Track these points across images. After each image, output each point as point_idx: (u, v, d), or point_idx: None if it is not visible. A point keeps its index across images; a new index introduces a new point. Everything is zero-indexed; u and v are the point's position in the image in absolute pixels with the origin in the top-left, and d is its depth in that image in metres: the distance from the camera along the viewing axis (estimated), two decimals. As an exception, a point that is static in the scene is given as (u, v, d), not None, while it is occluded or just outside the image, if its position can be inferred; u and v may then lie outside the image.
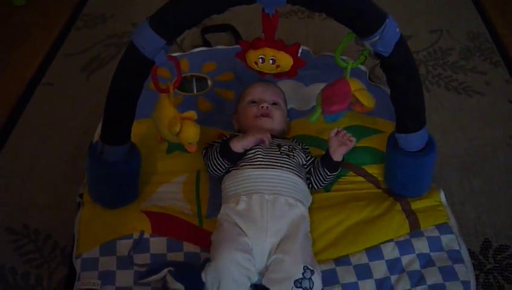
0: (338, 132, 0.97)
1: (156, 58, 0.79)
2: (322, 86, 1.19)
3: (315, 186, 1.00)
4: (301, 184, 0.94)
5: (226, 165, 0.96)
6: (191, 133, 0.88)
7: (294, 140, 1.05)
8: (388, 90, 1.13)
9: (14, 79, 1.37)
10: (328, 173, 0.98)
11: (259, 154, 0.95)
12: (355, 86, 0.91)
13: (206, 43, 1.44)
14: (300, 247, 0.83)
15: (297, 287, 0.79)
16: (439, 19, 1.62)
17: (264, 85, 1.10)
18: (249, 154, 0.95)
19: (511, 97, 1.33)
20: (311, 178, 0.99)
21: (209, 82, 1.27)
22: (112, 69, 1.37)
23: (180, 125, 0.87)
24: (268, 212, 0.87)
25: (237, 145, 0.94)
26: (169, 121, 0.88)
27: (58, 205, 1.06)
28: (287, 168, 0.94)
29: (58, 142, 1.20)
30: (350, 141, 0.96)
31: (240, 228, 0.86)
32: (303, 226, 0.88)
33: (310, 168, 1.00)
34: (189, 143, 0.91)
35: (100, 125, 1.10)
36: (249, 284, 0.82)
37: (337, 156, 0.96)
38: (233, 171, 0.95)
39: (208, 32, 1.49)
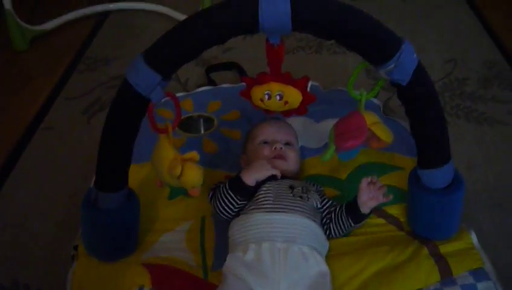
0: (372, 182, 0.86)
1: (152, 96, 0.72)
2: (334, 121, 1.12)
3: (334, 234, 0.90)
4: (316, 230, 0.85)
5: (238, 203, 0.88)
6: (193, 175, 0.81)
7: (307, 181, 0.97)
8: (404, 124, 1.06)
9: (13, 124, 1.33)
10: (352, 224, 0.89)
11: (270, 196, 0.87)
12: (371, 119, 0.83)
13: (211, 82, 1.40)
14: None
15: None
16: (452, 48, 1.57)
17: (276, 123, 1.03)
18: (259, 196, 0.87)
19: (537, 126, 1.25)
20: (331, 225, 0.90)
21: (215, 122, 1.21)
22: (112, 111, 1.34)
23: (181, 167, 0.79)
24: (281, 263, 0.78)
25: (249, 177, 0.86)
26: (169, 164, 0.81)
27: (52, 257, 0.99)
28: (301, 212, 0.85)
29: (55, 189, 1.14)
30: (383, 196, 0.86)
31: (247, 283, 0.76)
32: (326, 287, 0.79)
33: (331, 215, 0.90)
34: (192, 187, 0.83)
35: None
36: None
37: (365, 209, 0.87)
38: (242, 215, 0.87)
39: (213, 71, 1.45)
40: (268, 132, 1.00)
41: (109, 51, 1.62)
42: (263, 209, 0.85)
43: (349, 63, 1.50)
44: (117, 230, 0.85)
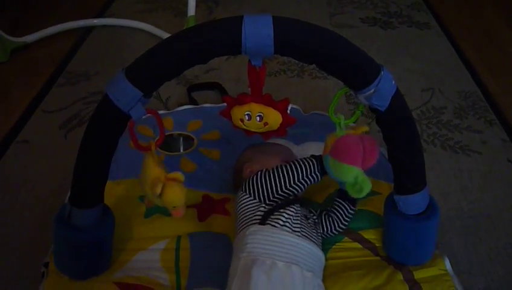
0: None
1: (132, 112, 0.71)
2: (313, 144, 1.12)
3: (334, 229, 0.93)
4: (324, 261, 0.87)
5: (301, 189, 0.87)
6: (174, 195, 0.79)
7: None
8: (382, 150, 1.07)
9: (-13, 137, 1.30)
10: (351, 207, 0.92)
11: (298, 219, 0.85)
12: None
13: (193, 102, 1.40)
14: None
15: None
16: (430, 78, 1.60)
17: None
18: (289, 214, 0.84)
19: (509, 156, 1.28)
20: (327, 223, 0.92)
21: (195, 141, 1.21)
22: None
23: (161, 186, 0.78)
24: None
25: None
26: (151, 182, 0.80)
27: (21, 275, 0.95)
28: (316, 243, 0.85)
29: (27, 205, 1.11)
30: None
31: None
32: None
33: (322, 215, 0.93)
34: (173, 207, 0.82)
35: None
36: None
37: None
38: (269, 226, 0.83)
39: (194, 91, 1.45)
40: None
41: (91, 66, 1.60)
42: (294, 232, 0.83)
43: (330, 88, 1.52)
44: (90, 247, 0.83)
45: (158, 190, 0.78)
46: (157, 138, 0.82)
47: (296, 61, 1.57)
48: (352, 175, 0.77)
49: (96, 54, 1.71)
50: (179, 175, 0.80)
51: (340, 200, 0.93)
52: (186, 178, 1.07)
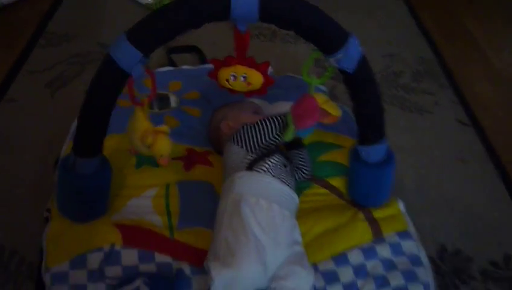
0: None
1: (133, 71, 0.81)
2: (285, 104, 1.24)
3: (302, 174, 1.06)
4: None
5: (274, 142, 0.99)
6: (163, 145, 0.91)
7: None
8: (347, 108, 1.20)
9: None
10: (301, 150, 1.06)
11: (278, 167, 0.97)
12: (321, 99, 0.96)
13: (172, 63, 1.47)
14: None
15: None
16: (390, 45, 1.73)
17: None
18: (271, 161, 0.97)
19: (458, 116, 1.44)
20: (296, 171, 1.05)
21: (173, 99, 1.28)
22: (76, 87, 1.40)
23: (152, 137, 0.89)
24: (285, 224, 0.90)
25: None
26: (142, 134, 0.90)
27: (24, 221, 1.05)
28: (292, 188, 0.98)
29: (22, 158, 1.19)
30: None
31: (258, 234, 0.86)
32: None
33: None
34: (161, 156, 0.93)
35: (67, 142, 1.11)
36: None
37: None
38: (255, 172, 0.95)
39: (173, 53, 1.52)
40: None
41: (70, 28, 1.64)
42: (275, 177, 0.95)
43: (299, 52, 1.63)
44: (91, 193, 0.93)
45: (150, 141, 0.89)
46: (149, 94, 0.91)
47: (268, 27, 1.66)
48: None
49: (74, 15, 1.74)
50: (165, 128, 0.91)
51: (293, 151, 1.06)
52: (171, 133, 1.18)
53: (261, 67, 0.91)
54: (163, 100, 1.28)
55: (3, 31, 1.61)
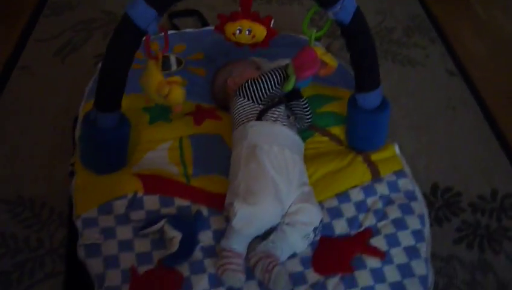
0: None
1: (149, 28, 0.88)
2: (285, 60, 1.32)
3: (304, 122, 1.14)
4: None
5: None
6: (178, 94, 0.99)
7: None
8: (344, 63, 1.27)
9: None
10: (300, 100, 1.13)
11: (285, 117, 1.06)
12: (320, 51, 1.04)
13: (174, 27, 1.53)
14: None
15: (314, 232, 0.93)
16: (383, 2, 1.79)
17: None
18: (278, 111, 1.05)
19: (447, 67, 1.52)
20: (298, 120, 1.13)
21: (173, 60, 1.33)
22: (85, 52, 1.46)
23: (168, 88, 0.97)
24: (296, 168, 0.98)
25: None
26: (158, 85, 0.98)
27: (50, 176, 1.13)
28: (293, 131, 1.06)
29: (41, 120, 1.26)
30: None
31: (274, 175, 0.94)
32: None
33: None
34: (177, 104, 1.01)
35: (82, 104, 1.18)
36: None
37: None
38: (264, 121, 1.04)
39: (176, 17, 1.58)
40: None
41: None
42: (284, 125, 1.04)
43: (295, 12, 1.69)
44: (112, 146, 1.01)
45: (166, 91, 0.97)
46: (162, 49, 0.98)
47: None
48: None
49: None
50: (178, 78, 0.98)
51: (294, 102, 1.13)
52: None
53: (264, 21, 0.98)
54: (165, 62, 1.35)
55: (5, 4, 1.64)
